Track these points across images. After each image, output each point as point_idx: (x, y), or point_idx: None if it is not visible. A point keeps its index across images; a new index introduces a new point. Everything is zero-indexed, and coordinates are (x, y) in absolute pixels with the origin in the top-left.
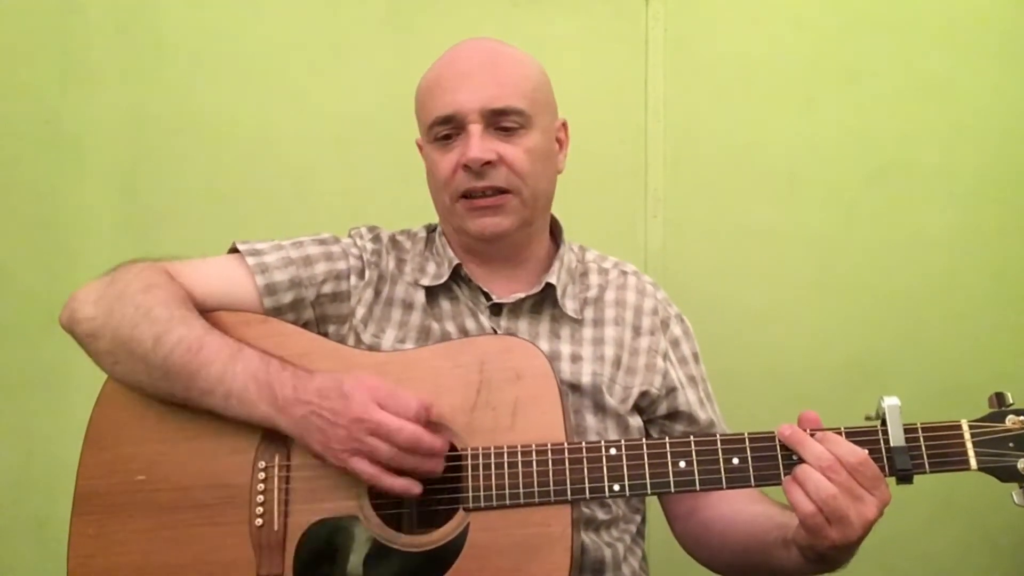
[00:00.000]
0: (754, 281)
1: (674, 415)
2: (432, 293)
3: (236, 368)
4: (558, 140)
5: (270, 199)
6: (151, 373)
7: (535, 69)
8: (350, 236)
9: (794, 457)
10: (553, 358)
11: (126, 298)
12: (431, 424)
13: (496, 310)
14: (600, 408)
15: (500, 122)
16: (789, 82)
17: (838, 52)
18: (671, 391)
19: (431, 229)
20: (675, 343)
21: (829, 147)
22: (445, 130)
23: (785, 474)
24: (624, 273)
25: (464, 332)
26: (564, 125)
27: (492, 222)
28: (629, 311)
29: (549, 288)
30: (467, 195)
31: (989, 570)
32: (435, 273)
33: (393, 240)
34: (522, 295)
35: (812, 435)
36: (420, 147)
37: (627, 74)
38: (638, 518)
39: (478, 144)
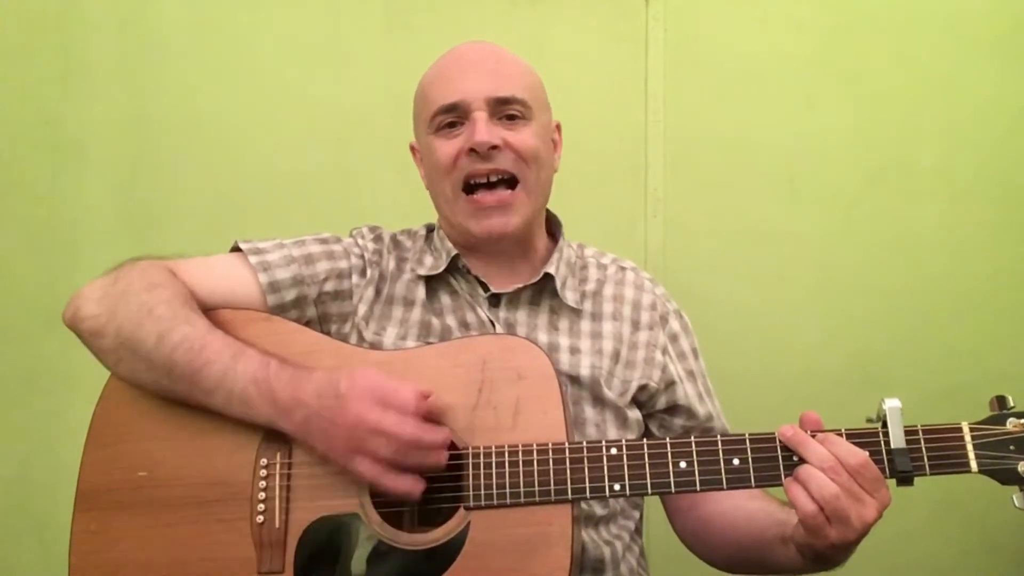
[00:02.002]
0: (754, 281)
1: (673, 409)
2: (432, 288)
3: (237, 369)
4: (552, 141)
5: (270, 199)
6: (154, 371)
7: (532, 69)
8: (351, 236)
9: (795, 458)
10: (551, 350)
11: (129, 296)
12: (431, 415)
13: (494, 301)
14: (599, 400)
15: (504, 111)
16: (789, 82)
17: (838, 52)
18: (670, 385)
19: (431, 228)
20: (674, 338)
21: (829, 147)
22: (449, 118)
23: (786, 475)
24: (622, 269)
25: (465, 325)
26: (558, 127)
27: (500, 222)
28: (627, 306)
29: (547, 279)
30: (470, 187)
31: (988, 570)
32: (432, 264)
33: (394, 239)
34: (520, 285)
35: (813, 436)
36: (414, 151)
37: (627, 74)
38: (636, 514)
39: (484, 128)
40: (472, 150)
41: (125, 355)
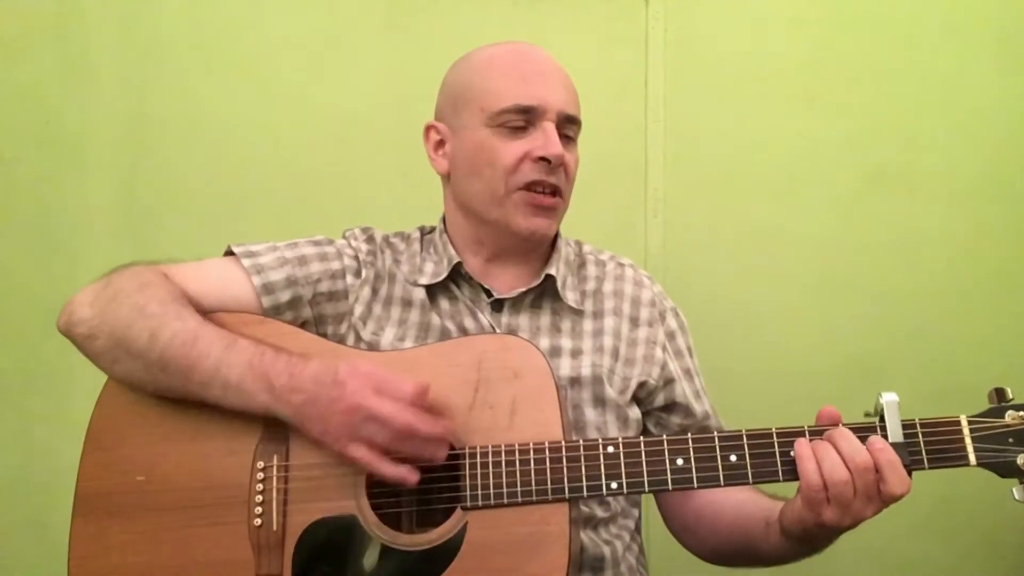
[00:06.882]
0: (754, 281)
1: (671, 407)
2: (431, 292)
3: (231, 359)
4: None
5: (270, 199)
6: (149, 369)
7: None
8: (344, 237)
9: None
10: (555, 354)
11: (121, 297)
12: (431, 409)
13: (497, 306)
14: (600, 400)
15: (567, 129)
16: (789, 82)
17: (838, 52)
18: (668, 382)
19: (425, 231)
20: (671, 336)
21: (829, 147)
22: (520, 120)
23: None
24: (621, 265)
25: (463, 331)
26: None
27: (545, 223)
28: (627, 302)
29: (549, 281)
30: (530, 188)
31: (989, 570)
32: (433, 272)
33: (387, 240)
34: (523, 289)
35: (821, 433)
36: (433, 129)
37: (627, 74)
38: (636, 513)
39: (558, 142)
40: (542, 159)
41: (119, 355)
